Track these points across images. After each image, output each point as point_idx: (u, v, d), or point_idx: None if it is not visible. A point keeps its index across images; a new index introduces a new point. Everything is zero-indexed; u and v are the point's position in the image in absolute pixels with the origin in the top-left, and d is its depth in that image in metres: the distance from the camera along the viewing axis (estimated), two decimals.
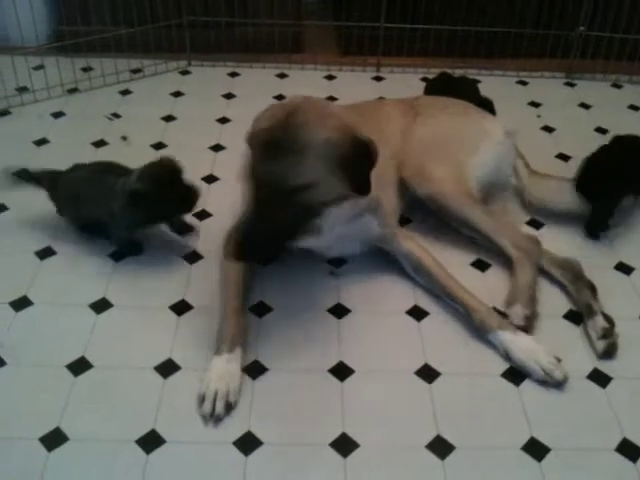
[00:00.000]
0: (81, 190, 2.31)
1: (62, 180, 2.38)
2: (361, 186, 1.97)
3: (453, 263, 2.38)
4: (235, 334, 2.02)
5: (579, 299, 2.21)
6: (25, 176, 2.42)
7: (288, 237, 1.98)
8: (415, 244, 2.29)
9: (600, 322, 2.12)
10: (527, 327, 2.10)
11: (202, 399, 1.88)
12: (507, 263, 2.36)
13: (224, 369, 1.93)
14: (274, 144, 1.87)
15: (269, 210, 1.88)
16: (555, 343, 2.10)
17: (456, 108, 2.65)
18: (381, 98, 3.32)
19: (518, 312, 2.13)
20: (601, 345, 2.08)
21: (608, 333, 2.09)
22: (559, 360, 2.00)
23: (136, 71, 3.45)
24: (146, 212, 2.17)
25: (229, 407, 1.88)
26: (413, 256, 2.26)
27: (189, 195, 2.23)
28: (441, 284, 2.20)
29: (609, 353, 2.07)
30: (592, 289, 2.23)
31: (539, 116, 3.25)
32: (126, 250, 2.34)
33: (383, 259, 2.40)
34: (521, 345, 2.02)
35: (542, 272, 2.32)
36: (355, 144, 1.91)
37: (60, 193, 2.39)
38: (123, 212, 2.19)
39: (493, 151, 2.50)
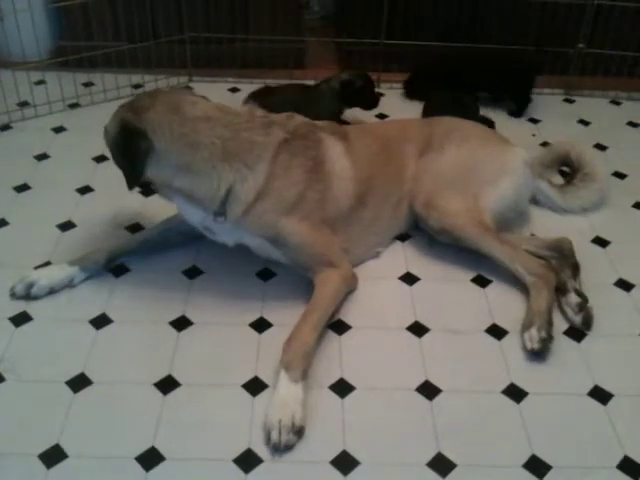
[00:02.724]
0: None
1: None
2: (125, 176, 2.13)
3: (453, 279, 2.39)
4: (311, 361, 2.03)
5: (559, 277, 2.31)
6: None
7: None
8: (329, 283, 2.20)
9: (573, 298, 2.26)
10: (542, 350, 2.11)
11: (268, 430, 1.85)
12: (509, 280, 2.36)
13: (291, 395, 1.92)
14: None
15: None
16: (555, 359, 2.11)
17: (477, 138, 2.63)
18: (382, 115, 3.34)
19: (534, 335, 2.13)
20: (578, 319, 2.23)
21: (582, 306, 2.24)
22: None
23: (137, 86, 3.46)
24: None
25: (299, 433, 1.86)
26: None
27: None
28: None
29: (587, 324, 2.22)
30: (574, 269, 2.36)
31: (534, 135, 3.26)
32: None
33: (384, 275, 2.40)
34: None
35: (533, 254, 2.38)
36: (122, 132, 2.09)
37: None
38: None
39: (513, 185, 2.51)
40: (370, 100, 3.17)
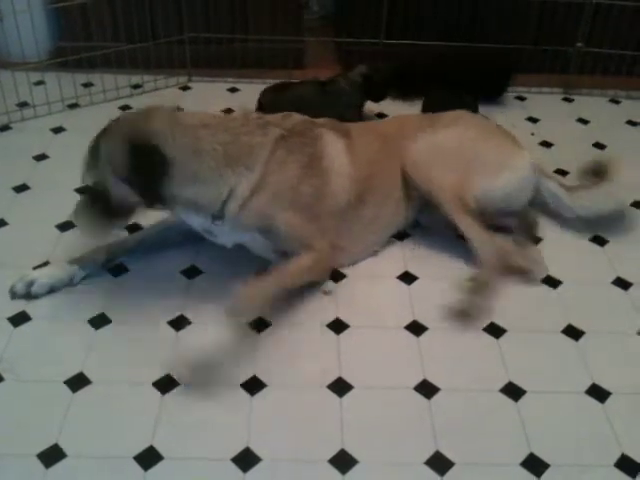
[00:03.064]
0: None
1: None
2: (144, 195, 2.10)
3: (452, 278, 2.39)
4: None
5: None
6: None
7: (112, 218, 2.17)
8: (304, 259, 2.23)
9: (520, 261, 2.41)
10: (462, 314, 2.23)
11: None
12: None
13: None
14: (92, 146, 2.15)
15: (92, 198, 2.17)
16: (553, 357, 2.12)
17: (485, 130, 2.65)
18: (382, 114, 3.34)
19: (465, 299, 2.26)
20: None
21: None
22: None
23: (136, 87, 3.47)
24: None
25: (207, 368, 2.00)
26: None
27: None
28: None
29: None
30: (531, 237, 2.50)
31: (533, 134, 3.25)
32: None
33: (381, 274, 2.41)
34: None
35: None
36: (135, 151, 2.02)
37: None
38: None
39: (510, 184, 2.50)
40: (383, 92, 3.21)
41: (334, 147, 2.36)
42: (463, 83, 3.30)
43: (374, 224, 2.47)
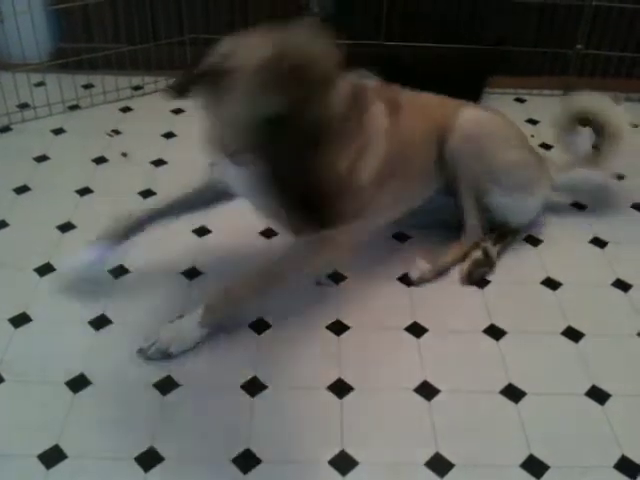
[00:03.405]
0: None
1: None
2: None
3: (452, 279, 2.40)
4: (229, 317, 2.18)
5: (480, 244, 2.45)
6: None
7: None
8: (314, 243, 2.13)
9: (477, 254, 2.42)
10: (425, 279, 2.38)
11: (147, 336, 2.10)
12: (507, 281, 2.39)
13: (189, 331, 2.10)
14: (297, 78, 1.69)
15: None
16: (553, 359, 2.12)
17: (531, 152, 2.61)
18: None
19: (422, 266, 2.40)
20: (467, 268, 2.40)
21: (480, 262, 2.40)
22: None
23: (137, 88, 3.47)
24: None
25: (168, 356, 2.06)
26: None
27: None
28: None
29: (469, 279, 2.39)
30: (502, 236, 2.50)
31: (533, 136, 3.25)
32: None
33: (382, 275, 2.41)
34: None
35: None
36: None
37: None
38: None
39: (518, 204, 2.49)
40: None
41: (378, 125, 2.22)
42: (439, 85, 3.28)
43: (393, 203, 2.40)
